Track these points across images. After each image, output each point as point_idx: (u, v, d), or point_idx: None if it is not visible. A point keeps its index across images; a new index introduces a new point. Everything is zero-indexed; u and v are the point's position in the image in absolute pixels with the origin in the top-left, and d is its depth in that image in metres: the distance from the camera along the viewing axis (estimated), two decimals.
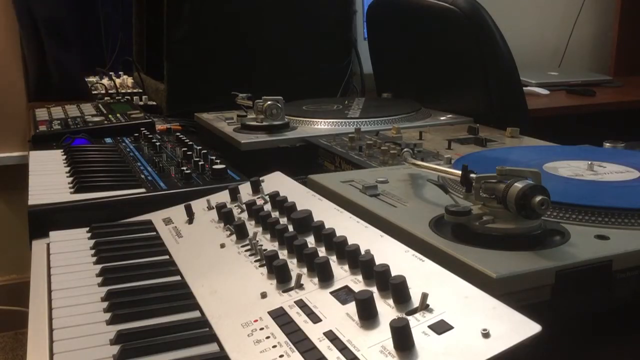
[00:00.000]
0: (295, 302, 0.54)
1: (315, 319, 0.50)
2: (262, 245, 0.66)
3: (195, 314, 0.58)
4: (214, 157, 1.01)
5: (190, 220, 0.79)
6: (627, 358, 0.59)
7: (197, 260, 0.68)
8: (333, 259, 0.58)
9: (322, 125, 1.24)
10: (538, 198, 0.55)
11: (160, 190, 0.91)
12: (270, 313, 0.53)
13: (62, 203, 0.86)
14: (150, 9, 1.83)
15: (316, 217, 0.66)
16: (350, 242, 0.58)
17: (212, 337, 0.53)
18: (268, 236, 0.68)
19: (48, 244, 0.77)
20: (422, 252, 0.55)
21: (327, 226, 0.63)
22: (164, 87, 1.61)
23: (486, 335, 0.42)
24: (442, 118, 1.32)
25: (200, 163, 0.99)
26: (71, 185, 0.94)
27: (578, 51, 2.41)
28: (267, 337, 0.50)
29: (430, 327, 0.45)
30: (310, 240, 0.64)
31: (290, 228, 0.66)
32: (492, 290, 0.48)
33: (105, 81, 1.96)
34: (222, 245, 0.69)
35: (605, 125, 1.79)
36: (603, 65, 2.41)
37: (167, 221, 0.81)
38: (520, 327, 0.42)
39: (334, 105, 1.42)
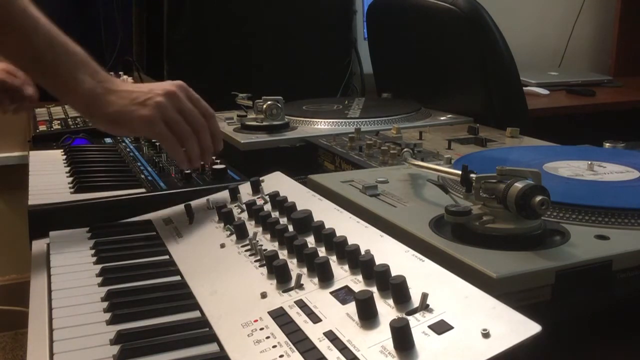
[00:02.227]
0: (295, 302, 0.54)
1: (315, 319, 0.50)
2: (262, 245, 0.66)
3: (195, 314, 0.58)
4: (214, 157, 1.01)
5: (190, 220, 0.79)
6: (627, 358, 0.59)
7: (197, 260, 0.68)
8: (333, 259, 0.58)
9: (322, 125, 1.24)
10: (538, 198, 0.55)
11: (160, 190, 0.91)
12: (270, 313, 0.53)
13: (62, 203, 0.86)
14: (150, 9, 1.83)
15: (316, 217, 0.66)
16: (350, 242, 0.58)
17: (212, 337, 0.53)
18: (268, 236, 0.68)
19: (48, 244, 0.77)
20: (422, 252, 0.55)
21: (327, 226, 0.63)
22: None
23: (486, 335, 0.42)
24: (442, 118, 1.32)
25: (200, 163, 0.99)
26: (71, 185, 0.94)
27: (578, 51, 2.41)
28: (267, 337, 0.50)
29: (430, 327, 0.45)
30: (310, 240, 0.64)
31: (290, 228, 0.66)
32: (492, 290, 0.48)
33: None
34: (222, 245, 0.69)
35: (605, 125, 1.79)
36: (603, 65, 2.41)
37: (167, 221, 0.81)
38: (520, 327, 0.42)
39: (334, 105, 1.42)
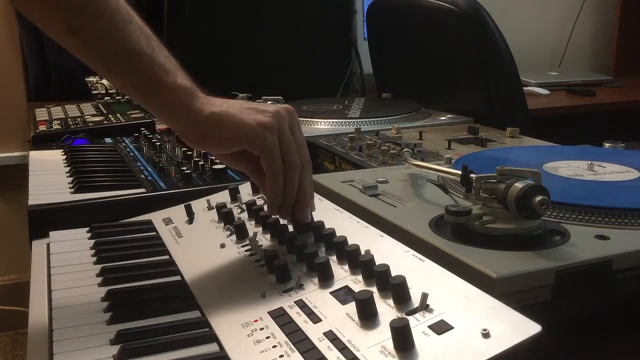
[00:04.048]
0: (295, 302, 0.54)
1: (315, 319, 0.50)
2: (262, 245, 0.66)
3: (195, 314, 0.58)
4: (213, 157, 1.01)
5: (190, 220, 0.79)
6: (627, 358, 0.59)
7: (197, 260, 0.68)
8: (333, 259, 0.58)
9: (322, 125, 1.24)
10: (538, 198, 0.55)
11: (160, 190, 0.91)
12: (270, 313, 0.53)
13: (62, 203, 0.86)
14: (150, 9, 1.83)
15: (316, 217, 0.66)
16: (350, 242, 0.58)
17: (212, 337, 0.53)
18: (268, 236, 0.68)
19: (48, 244, 0.77)
20: (422, 252, 0.55)
21: (327, 226, 0.63)
22: None
23: (486, 335, 0.42)
24: (442, 118, 1.32)
25: (200, 163, 0.99)
26: (71, 185, 0.94)
27: (578, 51, 2.41)
28: (267, 337, 0.50)
29: (430, 327, 0.45)
30: (310, 241, 0.63)
31: (290, 228, 0.66)
32: (492, 290, 0.48)
33: (105, 81, 1.96)
34: (222, 245, 0.69)
35: (605, 125, 1.79)
36: (603, 65, 2.41)
37: (167, 221, 0.81)
38: (520, 327, 0.42)
39: (334, 105, 1.42)
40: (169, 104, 0.64)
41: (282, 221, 0.68)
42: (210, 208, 0.80)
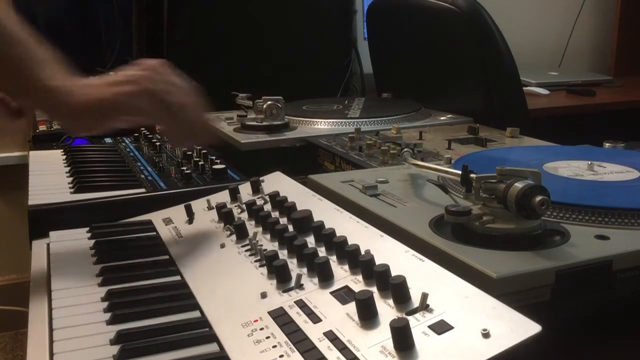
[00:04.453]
0: (295, 302, 0.54)
1: (315, 319, 0.50)
2: (262, 245, 0.66)
3: (195, 314, 0.58)
4: (214, 157, 1.01)
5: (190, 220, 0.79)
6: (627, 358, 0.59)
7: (197, 260, 0.68)
8: (333, 259, 0.58)
9: (322, 125, 1.24)
10: (538, 198, 0.55)
11: (160, 190, 0.91)
12: (270, 313, 0.53)
13: (62, 203, 0.86)
14: (150, 9, 1.83)
15: (316, 217, 0.66)
16: (350, 242, 0.58)
17: (212, 337, 0.53)
18: (268, 236, 0.68)
19: (48, 244, 0.77)
20: (422, 252, 0.55)
21: (327, 226, 0.63)
22: None
23: (486, 335, 0.42)
24: (442, 118, 1.32)
25: (200, 163, 0.99)
26: (71, 185, 0.94)
27: (578, 51, 2.41)
28: (267, 337, 0.50)
29: (430, 327, 0.45)
30: (310, 240, 0.64)
31: (290, 228, 0.66)
32: (492, 290, 0.48)
33: None
34: (222, 245, 0.69)
35: (605, 125, 1.79)
36: (603, 65, 2.41)
37: (167, 221, 0.81)
38: (520, 327, 0.42)
39: (334, 105, 1.42)
40: (49, 106, 0.69)
41: (282, 221, 0.68)
42: (210, 208, 0.80)
